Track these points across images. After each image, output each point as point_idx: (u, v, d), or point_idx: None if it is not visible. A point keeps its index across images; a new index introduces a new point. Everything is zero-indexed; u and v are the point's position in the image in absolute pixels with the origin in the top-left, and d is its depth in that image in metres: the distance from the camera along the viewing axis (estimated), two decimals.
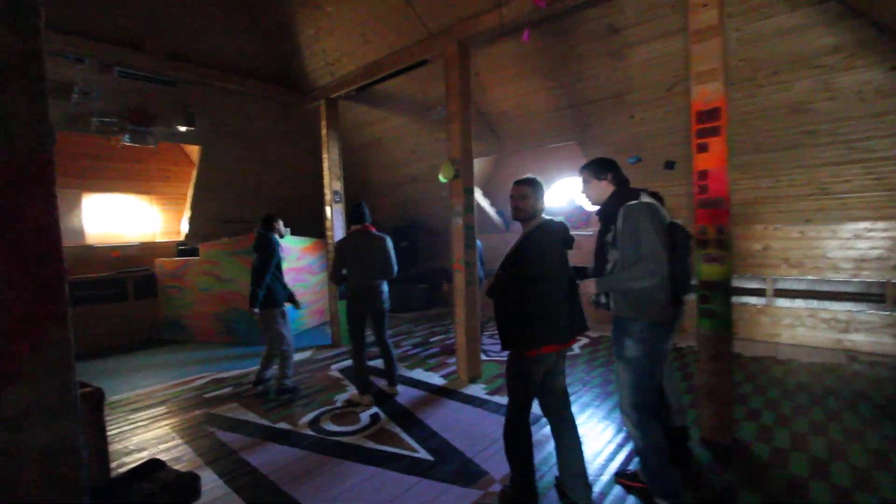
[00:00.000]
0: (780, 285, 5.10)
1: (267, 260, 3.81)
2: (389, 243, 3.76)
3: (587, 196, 2.36)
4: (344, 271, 3.71)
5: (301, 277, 6.60)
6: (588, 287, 2.14)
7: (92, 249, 6.31)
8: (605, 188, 2.26)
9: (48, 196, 1.54)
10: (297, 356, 5.18)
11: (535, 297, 2.10)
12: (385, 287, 3.76)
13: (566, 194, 6.82)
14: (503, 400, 3.70)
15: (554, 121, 4.96)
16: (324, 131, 5.55)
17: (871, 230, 4.54)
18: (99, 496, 1.90)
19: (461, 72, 3.98)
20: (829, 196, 4.45)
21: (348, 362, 4.93)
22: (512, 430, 2.27)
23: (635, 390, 2.11)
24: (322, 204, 5.86)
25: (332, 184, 5.53)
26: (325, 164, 5.55)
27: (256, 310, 3.78)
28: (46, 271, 1.57)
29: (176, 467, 2.76)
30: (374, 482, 2.56)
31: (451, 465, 2.72)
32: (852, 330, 4.70)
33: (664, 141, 4.49)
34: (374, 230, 3.79)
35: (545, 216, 2.25)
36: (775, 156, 3.99)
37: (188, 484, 2.02)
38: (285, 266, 6.13)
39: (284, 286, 4.00)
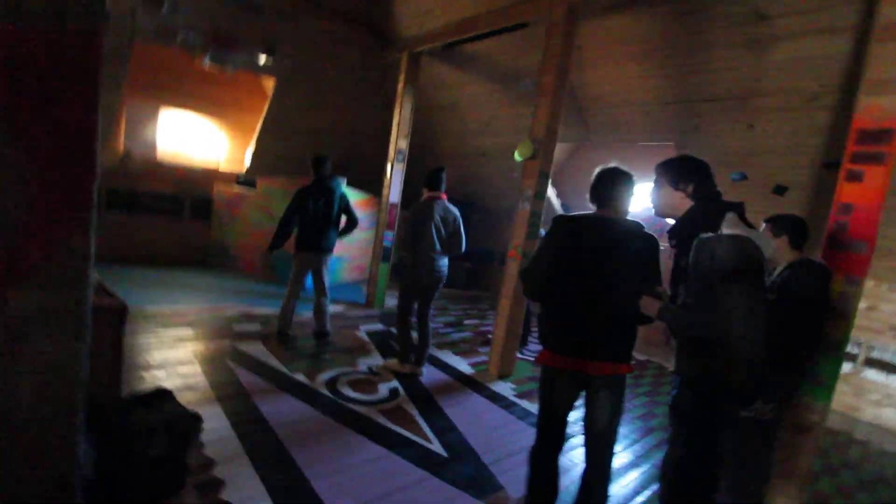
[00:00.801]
0: (876, 354, 4.37)
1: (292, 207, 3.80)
2: (460, 217, 3.51)
3: (653, 203, 1.79)
4: None
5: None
6: (648, 306, 1.67)
7: (160, 165, 6.47)
8: (680, 201, 1.70)
9: (91, 92, 1.34)
10: (331, 308, 5.08)
11: (558, 292, 1.79)
12: (446, 261, 3.51)
13: (643, 200, 6.21)
14: (531, 406, 3.39)
15: (655, 115, 4.38)
16: (400, 85, 5.26)
17: None
18: (98, 416, 1.79)
19: (564, 40, 3.52)
20: None
21: (378, 326, 4.78)
22: (530, 455, 1.96)
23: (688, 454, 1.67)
24: (383, 161, 5.64)
25: (398, 141, 5.27)
26: (395, 120, 5.29)
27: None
28: (76, 173, 1.38)
29: (187, 396, 2.70)
30: (380, 465, 2.35)
31: (464, 467, 2.46)
32: None
33: (783, 161, 3.83)
34: (446, 199, 3.50)
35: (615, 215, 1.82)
36: None
37: (190, 425, 1.87)
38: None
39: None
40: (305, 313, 4.40)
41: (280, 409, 2.74)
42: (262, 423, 2.56)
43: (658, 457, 2.91)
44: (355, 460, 2.35)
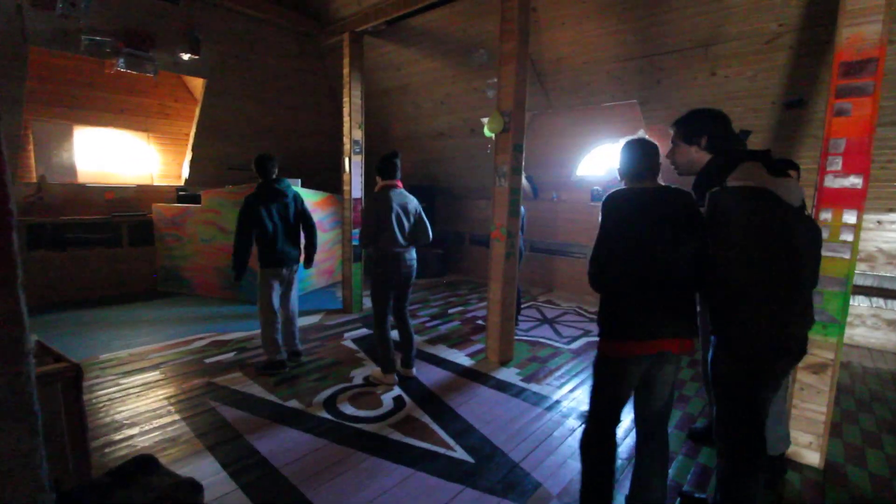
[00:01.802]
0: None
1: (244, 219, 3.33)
2: (419, 204, 3.27)
3: (673, 163, 1.77)
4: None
5: None
6: None
7: (84, 189, 5.74)
8: (697, 155, 1.66)
9: None
10: (306, 320, 4.75)
11: (615, 275, 1.66)
12: (414, 253, 3.27)
13: (605, 162, 6.21)
14: (542, 389, 3.29)
15: (617, 74, 4.27)
16: (346, 70, 4.87)
17: None
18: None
19: (521, 2, 3.31)
20: None
21: (363, 331, 4.50)
22: (583, 440, 1.83)
23: (728, 425, 1.63)
24: (336, 156, 5.26)
25: (352, 132, 4.91)
26: (346, 109, 4.91)
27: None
28: None
29: (171, 452, 2.36)
30: (408, 487, 2.14)
31: (496, 470, 2.31)
32: None
33: (745, 105, 3.85)
34: (402, 187, 3.25)
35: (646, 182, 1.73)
36: (884, 131, 3.38)
37: (187, 496, 1.58)
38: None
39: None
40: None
41: (281, 446, 2.45)
42: (264, 465, 2.27)
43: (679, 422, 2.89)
44: (380, 487, 2.13)
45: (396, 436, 2.60)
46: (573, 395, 3.20)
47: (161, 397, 2.98)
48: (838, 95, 2.23)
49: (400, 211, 3.14)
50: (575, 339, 4.48)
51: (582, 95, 4.73)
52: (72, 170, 5.80)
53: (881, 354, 4.29)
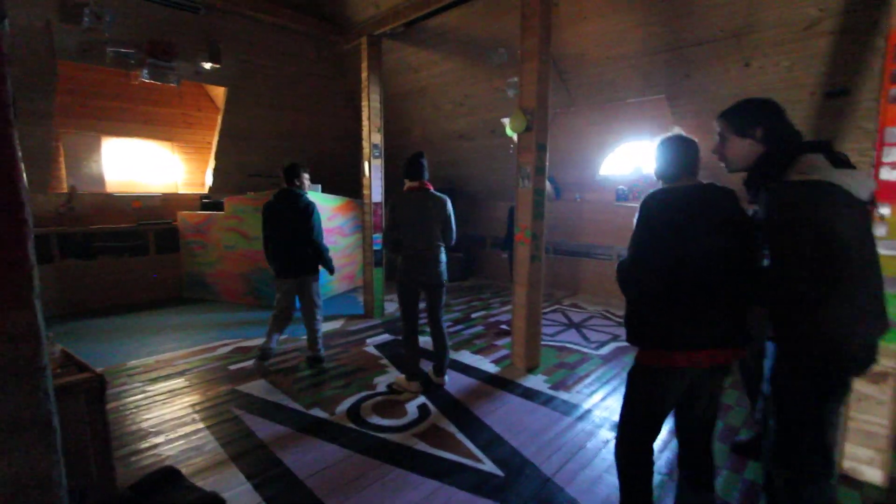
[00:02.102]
0: None
1: (317, 225, 3.56)
2: (450, 206, 3.17)
3: (723, 159, 1.60)
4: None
5: (332, 239, 6.06)
6: None
7: (112, 198, 5.87)
8: (751, 149, 1.50)
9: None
10: (328, 325, 4.73)
11: (655, 280, 1.55)
12: (444, 256, 3.18)
13: (632, 160, 6.03)
14: (571, 397, 3.16)
15: (643, 68, 4.11)
16: (364, 74, 4.84)
17: None
18: None
19: None
20: None
21: (385, 337, 4.45)
22: (618, 454, 1.73)
23: (797, 437, 1.45)
24: (356, 159, 5.24)
25: (371, 136, 4.87)
26: (365, 113, 4.88)
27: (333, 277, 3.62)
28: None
29: (196, 462, 2.32)
30: (435, 503, 2.05)
31: (527, 484, 2.20)
32: None
33: (781, 97, 3.61)
34: (431, 188, 3.18)
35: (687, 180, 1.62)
36: None
37: None
38: None
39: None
40: (303, 335, 4.03)
41: (305, 457, 2.40)
42: (289, 477, 2.22)
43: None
44: (407, 502, 2.05)
45: (422, 446, 2.51)
46: (605, 404, 3.06)
47: (186, 405, 2.98)
48: (894, 80, 2.06)
49: (426, 212, 3.07)
50: (603, 343, 4.33)
51: (606, 92, 4.58)
52: (100, 180, 5.93)
53: None
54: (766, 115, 1.50)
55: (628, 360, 3.87)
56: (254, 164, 6.66)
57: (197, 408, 2.94)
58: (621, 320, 5.15)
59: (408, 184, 3.16)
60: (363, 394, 3.17)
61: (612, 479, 2.23)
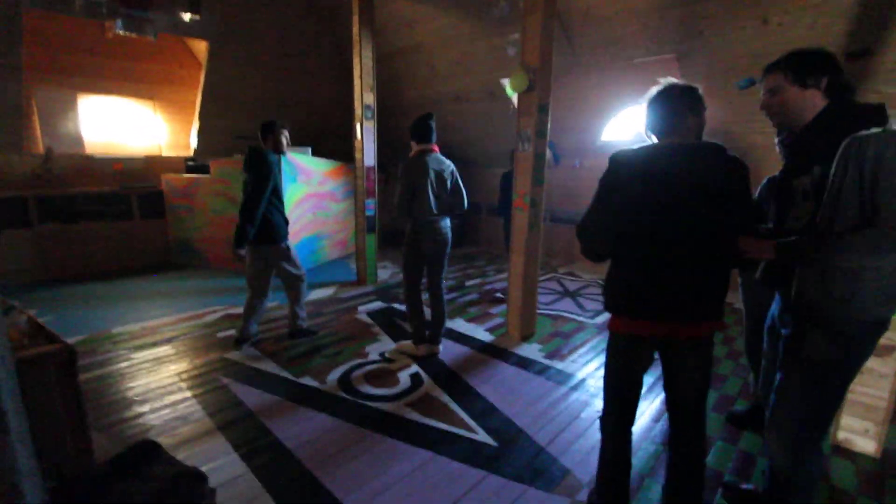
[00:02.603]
0: None
1: (261, 183, 2.94)
2: (456, 170, 3.07)
3: (774, 110, 1.45)
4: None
5: (323, 205, 5.90)
6: (757, 247, 1.37)
7: (92, 160, 5.62)
8: (812, 101, 1.37)
9: None
10: (320, 292, 4.64)
11: (621, 245, 1.49)
12: (448, 222, 3.08)
13: (634, 126, 5.82)
14: (566, 366, 3.12)
15: (653, 25, 3.85)
16: (355, 28, 4.53)
17: None
18: (65, 499, 1.36)
19: None
20: None
21: (378, 304, 4.37)
22: (601, 422, 1.71)
23: (810, 406, 1.41)
24: (348, 122, 5.00)
25: (363, 96, 4.63)
26: (356, 71, 4.61)
27: (241, 251, 2.99)
28: None
29: (182, 431, 2.27)
30: (428, 472, 2.02)
31: (520, 455, 2.16)
32: None
33: None
34: (438, 152, 3.04)
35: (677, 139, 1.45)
36: None
37: (190, 488, 1.46)
38: (305, 191, 5.49)
39: (286, 219, 3.20)
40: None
41: (295, 427, 2.34)
42: (278, 448, 2.17)
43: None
44: (399, 472, 2.01)
45: (414, 416, 2.47)
46: (599, 374, 3.03)
47: (173, 373, 2.90)
48: None
49: (436, 177, 2.95)
50: (599, 313, 4.28)
51: (613, 51, 4.34)
52: (78, 140, 5.66)
53: None
54: (830, 66, 1.36)
55: None
56: (241, 126, 6.38)
57: (183, 376, 2.86)
58: None
59: (415, 147, 3.02)
60: (354, 362, 3.11)
61: None
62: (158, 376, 2.85)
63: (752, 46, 3.51)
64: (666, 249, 1.41)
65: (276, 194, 3.10)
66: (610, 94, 5.18)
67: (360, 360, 3.14)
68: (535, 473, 2.03)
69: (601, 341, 3.57)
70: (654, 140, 1.49)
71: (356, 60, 4.59)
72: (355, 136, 4.77)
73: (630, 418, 1.65)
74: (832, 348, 1.34)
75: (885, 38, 3.07)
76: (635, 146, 1.47)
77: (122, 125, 6.08)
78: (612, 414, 1.65)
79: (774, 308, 1.70)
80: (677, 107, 1.42)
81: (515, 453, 2.17)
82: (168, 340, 3.41)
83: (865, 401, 2.19)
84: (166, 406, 2.51)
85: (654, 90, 1.49)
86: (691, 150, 1.40)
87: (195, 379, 2.83)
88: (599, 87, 5.03)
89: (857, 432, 2.23)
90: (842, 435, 2.27)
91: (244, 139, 6.37)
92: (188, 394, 2.65)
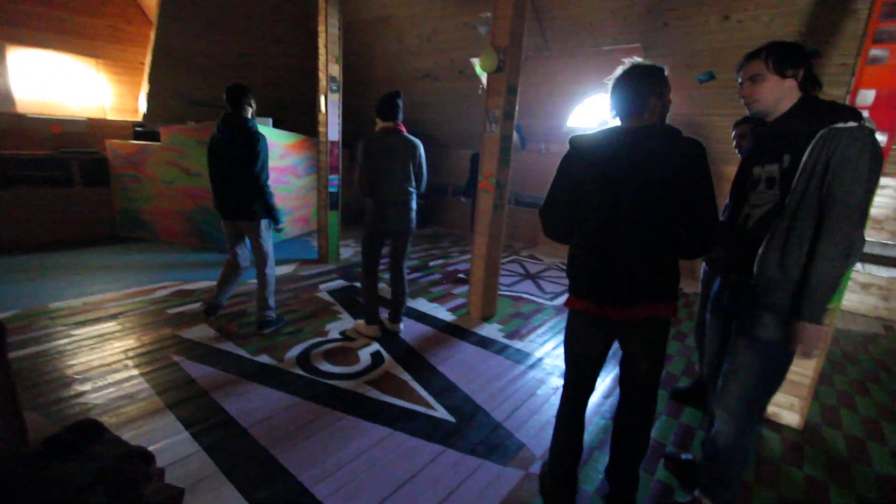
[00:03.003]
0: None
1: (265, 157, 2.92)
2: (422, 150, 2.99)
3: (751, 98, 1.47)
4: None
5: (284, 179, 5.70)
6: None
7: (25, 120, 5.14)
8: (790, 90, 1.41)
9: None
10: (278, 270, 4.51)
11: (577, 228, 1.55)
12: (414, 203, 3.03)
13: (598, 113, 5.92)
14: (525, 346, 3.21)
15: (622, 14, 3.89)
16: None
17: None
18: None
19: None
20: None
21: (339, 283, 4.31)
22: (559, 407, 1.78)
23: (758, 383, 1.50)
24: (312, 94, 4.80)
25: (328, 67, 4.44)
26: (322, 40, 4.41)
27: (282, 224, 3.13)
28: None
29: (129, 410, 2.17)
30: (386, 448, 2.04)
31: (477, 430, 2.22)
32: (892, 298, 4.34)
33: None
34: (405, 131, 2.96)
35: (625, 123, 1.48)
36: None
37: (136, 470, 1.40)
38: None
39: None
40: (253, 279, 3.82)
41: (250, 404, 2.29)
42: (232, 426, 2.12)
43: None
44: (356, 449, 2.02)
45: (374, 394, 2.47)
46: (556, 353, 3.13)
47: (118, 350, 2.76)
48: (877, 41, 2.02)
49: (399, 156, 2.88)
50: (558, 295, 4.41)
51: (582, 37, 4.36)
52: (8, 97, 5.16)
53: (853, 317, 4.38)
54: (806, 58, 1.42)
55: None
56: (195, 92, 6.00)
57: (130, 353, 2.73)
58: None
59: (380, 124, 2.93)
60: (315, 340, 3.07)
61: None
62: (102, 354, 2.70)
63: (712, 40, 3.63)
64: (619, 232, 1.44)
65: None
66: (577, 79, 5.23)
67: (319, 339, 3.10)
68: (491, 448, 2.09)
69: (559, 322, 3.69)
70: (618, 122, 1.50)
71: (321, 28, 4.40)
72: (319, 109, 4.60)
73: (584, 394, 1.70)
74: (784, 329, 1.41)
75: (834, 42, 3.25)
76: (595, 130, 1.49)
77: (61, 84, 5.58)
78: (568, 388, 1.71)
79: (716, 288, 1.77)
80: (640, 88, 1.42)
81: (473, 429, 2.23)
82: (113, 317, 3.23)
83: (791, 377, 2.38)
84: (110, 385, 2.39)
85: (618, 70, 1.50)
86: (646, 134, 1.41)
87: (143, 357, 2.70)
88: (567, 72, 5.07)
89: (783, 406, 2.43)
90: (770, 409, 2.47)
91: (200, 106, 6.02)
92: (135, 371, 2.53)
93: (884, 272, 4.37)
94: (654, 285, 1.47)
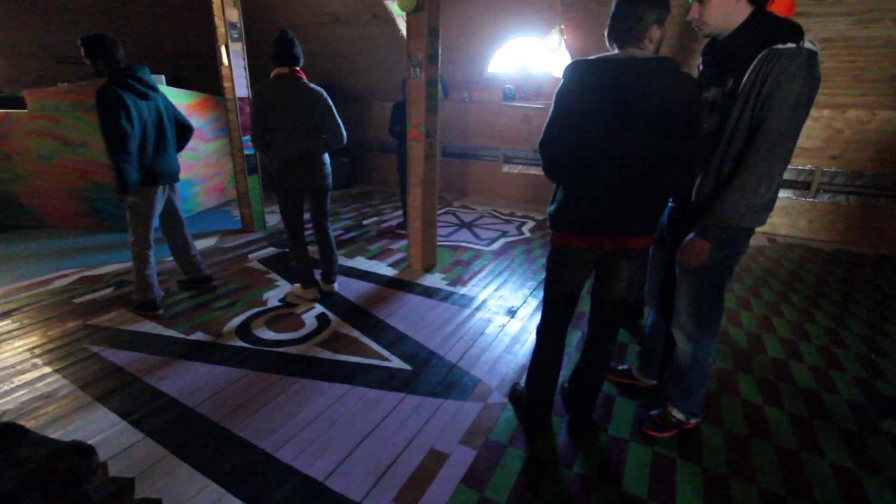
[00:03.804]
0: None
1: (118, 117, 2.39)
2: (329, 98, 2.76)
3: (699, 17, 1.43)
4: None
5: (189, 145, 5.13)
6: (694, 253, 1.50)
7: None
8: (738, 7, 1.37)
9: None
10: (199, 244, 4.16)
11: (575, 162, 1.48)
12: (326, 158, 2.86)
13: (517, 58, 5.92)
14: (468, 291, 3.30)
15: None
16: None
17: (815, 117, 4.55)
18: None
19: None
20: None
21: (270, 251, 4.08)
22: (538, 332, 1.85)
23: (700, 303, 1.63)
24: (207, 46, 4.27)
25: (225, 12, 3.95)
26: None
27: (131, 197, 2.53)
28: None
29: (49, 410, 1.95)
30: (346, 403, 2.04)
31: (434, 373, 2.29)
32: (774, 214, 5.00)
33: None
34: (304, 78, 2.72)
35: (626, 52, 1.40)
36: None
37: (74, 466, 1.27)
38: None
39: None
40: (169, 256, 3.48)
41: (192, 383, 2.16)
42: (175, 407, 1.99)
43: None
44: (316, 408, 2.00)
45: (326, 354, 2.43)
46: (499, 294, 3.26)
47: (21, 349, 2.43)
48: None
49: (300, 105, 2.64)
50: (493, 240, 4.54)
51: None
52: None
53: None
54: None
55: (516, 253, 4.14)
56: (63, 47, 5.09)
57: (37, 351, 2.41)
58: (508, 218, 5.45)
59: (276, 70, 2.65)
60: (253, 311, 2.91)
61: (511, 358, 2.43)
62: (2, 356, 2.36)
63: None
64: (624, 166, 1.41)
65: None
66: (493, 24, 5.15)
67: (259, 308, 2.95)
68: (449, 387, 2.17)
69: (497, 265, 3.82)
70: (615, 50, 1.43)
71: None
72: (221, 62, 4.12)
73: (567, 318, 1.77)
74: (715, 251, 1.52)
75: None
76: (592, 57, 1.42)
77: None
78: (553, 321, 1.76)
79: (664, 218, 1.82)
80: (647, 13, 1.35)
81: (429, 372, 2.29)
82: (6, 314, 2.81)
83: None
84: (19, 387, 2.11)
85: None
86: (646, 66, 1.34)
87: (55, 352, 2.40)
88: (482, 17, 4.96)
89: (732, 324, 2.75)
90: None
91: (72, 63, 5.15)
92: (47, 370, 2.25)
93: None
94: (650, 217, 1.51)
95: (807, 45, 1.29)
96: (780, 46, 1.28)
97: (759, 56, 1.31)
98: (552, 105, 1.48)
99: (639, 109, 1.35)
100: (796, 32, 1.29)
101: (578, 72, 1.41)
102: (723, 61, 1.44)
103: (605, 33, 1.45)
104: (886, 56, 3.72)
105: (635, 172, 1.43)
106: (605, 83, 1.37)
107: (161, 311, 2.82)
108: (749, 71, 1.33)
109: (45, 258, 3.79)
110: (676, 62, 1.37)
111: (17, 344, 2.48)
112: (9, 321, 2.73)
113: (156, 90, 2.66)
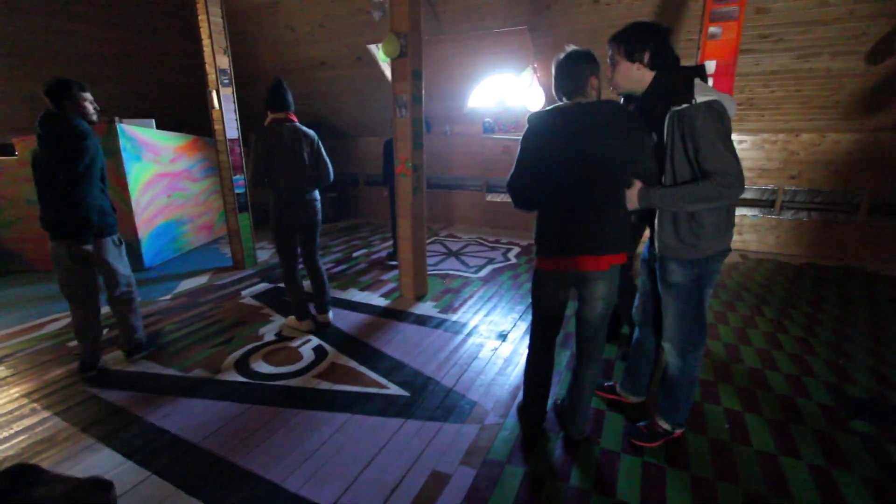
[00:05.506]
0: None
1: (83, 161, 2.26)
2: (318, 140, 2.98)
3: (612, 82, 1.68)
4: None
5: (178, 186, 5.23)
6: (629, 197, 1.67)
7: None
8: (640, 73, 1.58)
9: None
10: (192, 282, 4.21)
11: (542, 196, 1.74)
12: (316, 194, 3.02)
13: (495, 93, 6.25)
14: (460, 317, 3.41)
15: None
16: None
17: (772, 141, 4.91)
18: None
19: None
20: (754, 107, 4.62)
21: (263, 286, 4.14)
22: (529, 346, 2.04)
23: (683, 318, 1.75)
24: (198, 89, 4.44)
25: (216, 59, 4.14)
26: (204, 31, 4.09)
27: (89, 246, 2.36)
28: None
29: (51, 453, 1.97)
30: (348, 432, 2.10)
31: (432, 398, 2.37)
32: (744, 232, 5.28)
33: None
34: (297, 121, 2.91)
35: (580, 99, 1.63)
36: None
37: (95, 501, 1.32)
38: (155, 171, 4.79)
39: (111, 202, 2.55)
40: (162, 296, 3.53)
41: (194, 420, 2.19)
42: (179, 444, 2.02)
43: None
44: (319, 438, 2.05)
45: (325, 385, 2.50)
46: (489, 318, 3.38)
47: (17, 395, 2.43)
48: (712, 20, 2.45)
49: (294, 147, 2.83)
50: (481, 267, 4.68)
51: (473, 19, 4.56)
52: None
53: None
54: (652, 40, 1.55)
55: (503, 279, 4.28)
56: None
57: (34, 396, 2.42)
58: (494, 245, 5.63)
59: (271, 116, 2.86)
60: (249, 346, 2.96)
61: (504, 380, 2.53)
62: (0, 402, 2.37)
63: (588, 22, 4.04)
64: (585, 194, 1.64)
65: (102, 176, 2.44)
66: (472, 62, 5.46)
67: (255, 343, 3.00)
68: (447, 411, 2.25)
69: (486, 291, 3.95)
70: (564, 101, 1.66)
71: (202, 17, 4.07)
72: (212, 106, 4.28)
73: (553, 334, 1.95)
74: (685, 273, 1.68)
75: (683, 21, 3.81)
76: (548, 108, 1.68)
77: None
78: (540, 335, 1.95)
79: (648, 245, 1.97)
80: (582, 69, 1.60)
81: (427, 398, 2.37)
82: (1, 360, 2.81)
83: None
84: (19, 433, 2.12)
85: (560, 56, 1.65)
86: (592, 108, 1.60)
87: (51, 396, 2.41)
88: (462, 55, 5.27)
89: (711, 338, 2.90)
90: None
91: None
92: (46, 413, 2.26)
93: (734, 211, 5.29)
94: (615, 238, 1.70)
95: (700, 98, 1.47)
96: (676, 108, 1.49)
97: (668, 116, 1.52)
98: (518, 149, 1.71)
99: (591, 143, 1.58)
100: (686, 93, 1.47)
101: (538, 119, 1.69)
102: (644, 116, 1.63)
103: (553, 91, 1.70)
104: (828, 85, 4.09)
105: (595, 198, 1.65)
106: (558, 125, 1.63)
107: (90, 373, 2.63)
108: (664, 130, 1.55)
109: (36, 303, 3.79)
110: (618, 102, 1.62)
111: (13, 390, 2.48)
112: (2, 367, 2.73)
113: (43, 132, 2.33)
